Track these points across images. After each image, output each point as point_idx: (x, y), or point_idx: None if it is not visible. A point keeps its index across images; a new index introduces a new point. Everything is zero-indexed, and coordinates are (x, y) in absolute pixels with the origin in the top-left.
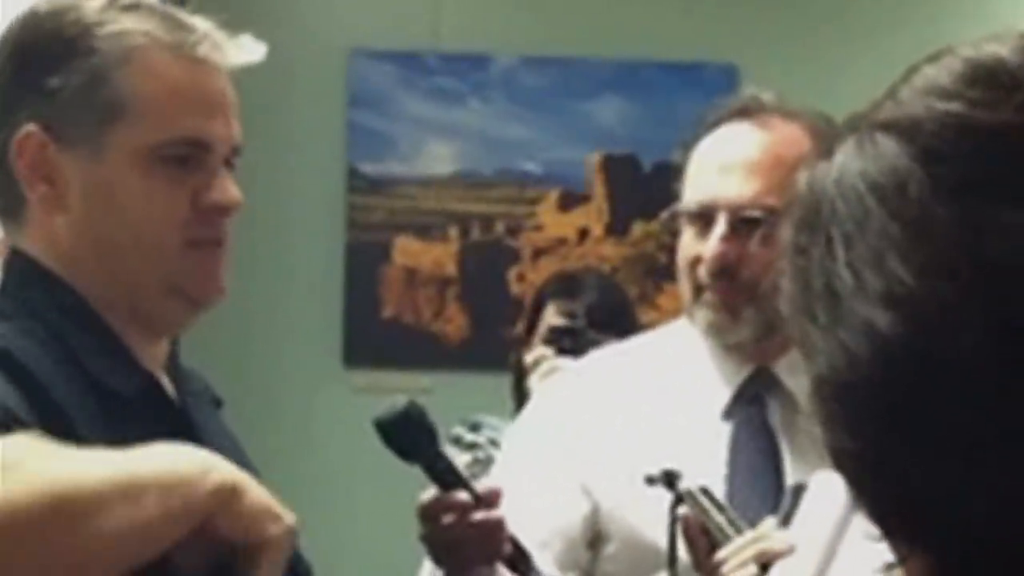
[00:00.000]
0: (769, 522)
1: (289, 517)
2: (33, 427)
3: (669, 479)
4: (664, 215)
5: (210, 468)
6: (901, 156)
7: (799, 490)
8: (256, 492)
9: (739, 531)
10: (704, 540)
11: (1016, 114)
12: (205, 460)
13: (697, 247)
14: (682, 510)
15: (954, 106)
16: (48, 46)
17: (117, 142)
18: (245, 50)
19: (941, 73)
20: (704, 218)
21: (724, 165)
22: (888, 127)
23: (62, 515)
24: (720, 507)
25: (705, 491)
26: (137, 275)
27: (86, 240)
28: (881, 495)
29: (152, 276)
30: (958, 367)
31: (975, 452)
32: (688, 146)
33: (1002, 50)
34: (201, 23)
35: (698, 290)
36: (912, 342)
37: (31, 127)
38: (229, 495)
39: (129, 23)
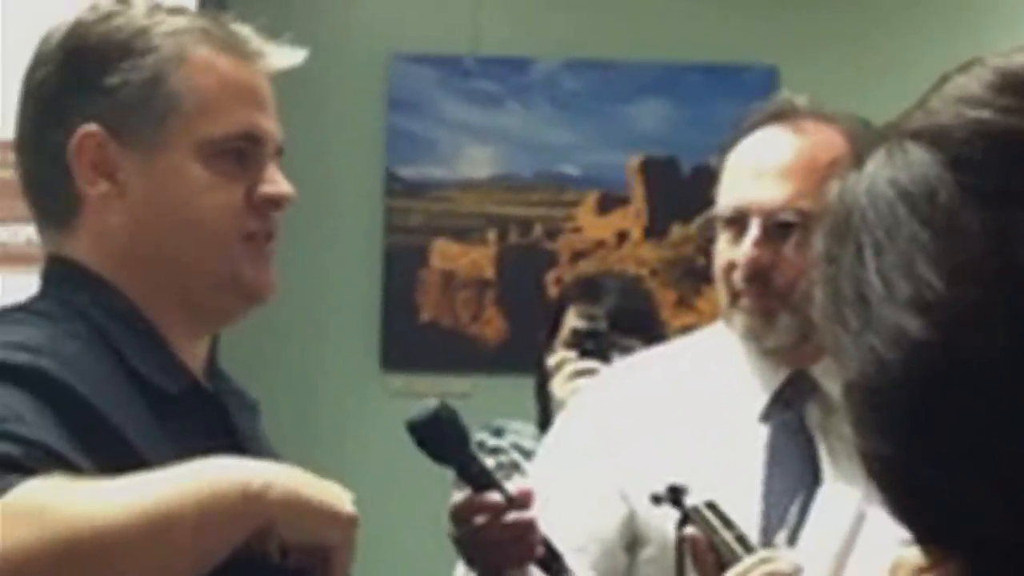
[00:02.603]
0: (778, 539)
1: (349, 510)
2: (75, 456)
3: (675, 496)
4: (699, 220)
5: (266, 483)
6: (931, 164)
7: (805, 506)
8: (315, 498)
9: (747, 548)
10: (712, 558)
11: None
12: (261, 474)
13: (732, 252)
14: (689, 530)
15: (984, 114)
16: (103, 48)
17: (175, 137)
18: (285, 54)
19: (971, 82)
20: (738, 223)
21: (758, 170)
22: (918, 136)
23: (82, 560)
24: (728, 523)
25: (712, 506)
26: (194, 267)
27: (144, 237)
28: (911, 499)
29: (209, 268)
30: (987, 372)
31: (1005, 456)
32: (723, 151)
33: None
34: (242, 27)
35: (734, 295)
36: (942, 347)
37: (91, 126)
38: (287, 508)
39: (181, 23)
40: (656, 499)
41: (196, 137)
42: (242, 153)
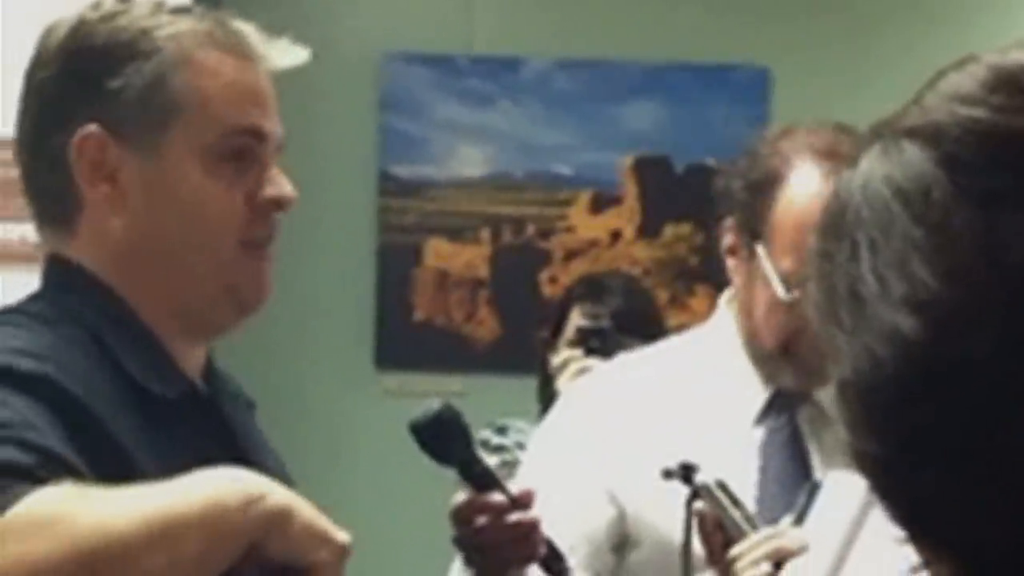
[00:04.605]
0: (784, 520)
1: (341, 537)
2: (79, 462)
3: (686, 473)
4: (773, 277)
5: (261, 494)
6: (925, 162)
7: (813, 489)
8: (306, 516)
9: (754, 527)
10: (719, 535)
11: None
12: (256, 486)
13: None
14: (698, 505)
15: (978, 112)
16: (106, 49)
17: (177, 140)
18: (288, 54)
19: (965, 79)
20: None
21: None
22: (913, 133)
23: (93, 572)
24: (736, 502)
25: (722, 485)
26: (193, 274)
27: (143, 240)
28: (904, 498)
29: (207, 276)
30: (981, 371)
31: (998, 456)
32: (753, 171)
33: None
34: (245, 26)
35: (786, 343)
36: (935, 346)
37: (92, 127)
38: (279, 521)
39: (185, 25)
40: (668, 474)
41: (197, 139)
42: (243, 154)
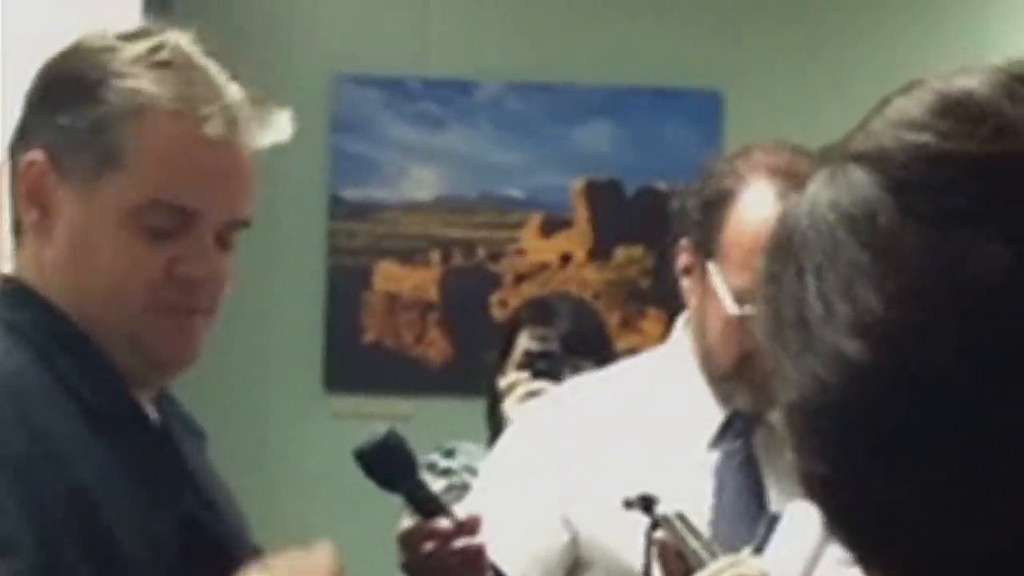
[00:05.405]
0: (744, 551)
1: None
2: (34, 521)
3: (646, 504)
4: (720, 284)
5: None
6: (872, 186)
7: (773, 520)
8: None
9: (714, 556)
10: (679, 565)
11: (984, 145)
12: None
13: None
14: (659, 535)
15: (924, 137)
16: (72, 82)
17: (105, 192)
18: (271, 129)
19: (912, 105)
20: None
21: None
22: (859, 158)
23: None
24: (696, 533)
25: (681, 517)
26: (102, 323)
27: (64, 276)
28: (852, 520)
29: (114, 328)
30: (927, 393)
31: (945, 477)
32: (707, 189)
33: (971, 83)
34: (232, 92)
35: (744, 362)
36: (880, 369)
37: (38, 154)
38: None
39: (147, 81)
40: (628, 504)
41: (124, 200)
42: (168, 227)
